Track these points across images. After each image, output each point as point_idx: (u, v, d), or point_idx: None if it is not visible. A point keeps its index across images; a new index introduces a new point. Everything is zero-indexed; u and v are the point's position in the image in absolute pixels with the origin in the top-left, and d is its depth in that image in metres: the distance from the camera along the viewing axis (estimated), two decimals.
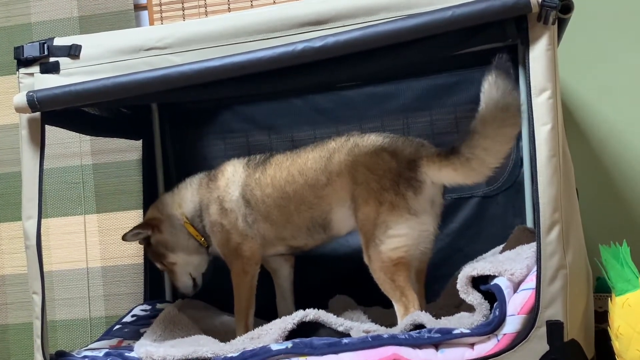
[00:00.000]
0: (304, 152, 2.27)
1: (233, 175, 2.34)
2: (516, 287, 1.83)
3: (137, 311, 2.59)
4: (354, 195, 2.13)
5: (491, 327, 1.76)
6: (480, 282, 1.93)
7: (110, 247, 2.92)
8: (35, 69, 2.02)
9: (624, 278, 1.81)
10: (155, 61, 1.93)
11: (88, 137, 2.92)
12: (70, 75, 1.99)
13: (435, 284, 2.39)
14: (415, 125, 2.66)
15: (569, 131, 2.01)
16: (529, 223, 2.48)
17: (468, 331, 1.80)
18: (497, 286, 1.83)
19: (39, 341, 2.00)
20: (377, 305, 2.35)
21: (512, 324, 1.75)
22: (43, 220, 2.10)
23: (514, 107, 1.86)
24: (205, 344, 2.12)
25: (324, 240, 2.32)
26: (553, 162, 1.71)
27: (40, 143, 2.01)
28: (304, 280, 2.53)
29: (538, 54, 1.73)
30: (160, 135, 2.81)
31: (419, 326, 1.92)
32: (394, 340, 1.81)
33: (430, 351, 1.79)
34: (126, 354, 2.09)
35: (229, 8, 2.94)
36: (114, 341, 2.34)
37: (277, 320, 2.10)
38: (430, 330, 1.83)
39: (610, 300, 1.83)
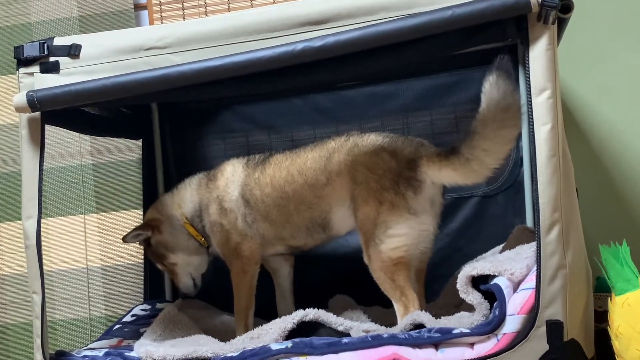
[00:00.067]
0: (304, 151, 2.27)
1: (232, 175, 2.34)
2: (516, 286, 1.83)
3: (137, 311, 2.59)
4: (354, 195, 2.13)
5: (491, 326, 1.76)
6: (480, 282, 1.93)
7: (110, 246, 2.92)
8: (35, 68, 2.02)
9: (624, 278, 1.81)
10: (155, 61, 1.93)
11: (88, 137, 2.92)
12: (70, 75, 1.99)
13: (435, 284, 2.39)
14: (415, 125, 2.66)
15: (568, 131, 2.01)
16: (529, 223, 2.48)
17: (468, 331, 1.80)
18: (497, 286, 1.83)
19: (38, 341, 2.00)
20: (377, 304, 2.36)
21: (512, 324, 1.75)
22: (43, 220, 2.11)
23: (514, 109, 1.86)
24: (205, 343, 2.12)
25: (323, 240, 2.32)
26: (553, 162, 1.71)
27: (40, 143, 2.01)
28: (303, 279, 2.53)
29: (538, 53, 1.73)
30: (160, 134, 2.81)
31: (419, 326, 1.92)
32: (393, 340, 1.81)
33: (430, 351, 1.79)
34: (126, 353, 2.09)
35: (228, 8, 2.94)
36: (113, 341, 2.34)
37: (277, 320, 2.10)
38: (430, 330, 1.83)
39: (610, 299, 1.83)
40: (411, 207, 2.04)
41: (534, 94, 1.73)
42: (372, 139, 2.17)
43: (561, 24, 1.84)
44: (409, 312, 2.00)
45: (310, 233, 2.26)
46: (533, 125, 1.73)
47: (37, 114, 2.00)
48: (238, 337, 2.15)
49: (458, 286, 1.94)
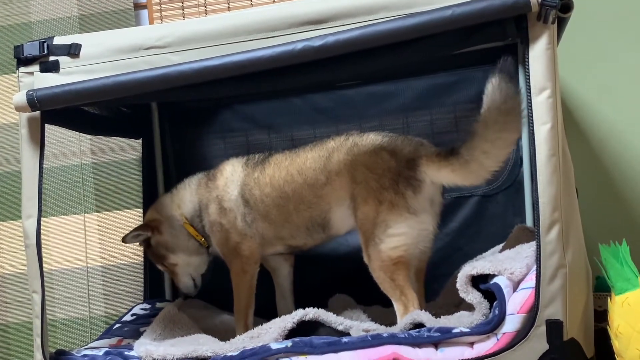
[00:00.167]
0: (303, 151, 2.27)
1: (232, 175, 2.34)
2: (516, 286, 1.83)
3: (136, 310, 2.59)
4: (353, 194, 2.13)
5: (491, 326, 1.76)
6: (479, 281, 1.93)
7: (110, 246, 2.92)
8: (35, 67, 2.02)
9: (624, 277, 1.81)
10: (155, 60, 1.93)
11: (88, 136, 2.92)
12: (70, 74, 1.99)
13: (435, 283, 2.39)
14: (415, 124, 2.66)
15: (568, 130, 2.01)
16: (529, 222, 2.48)
17: (468, 330, 1.80)
18: (497, 285, 1.83)
19: (38, 340, 2.00)
20: (377, 304, 2.36)
21: (511, 323, 1.75)
22: (43, 219, 2.11)
23: (515, 112, 1.85)
24: (205, 343, 2.12)
25: (323, 240, 2.32)
26: (553, 162, 1.71)
27: (40, 142, 2.01)
28: (303, 279, 2.53)
29: (538, 53, 1.73)
30: (160, 134, 2.81)
31: (419, 325, 1.92)
32: (393, 339, 1.81)
33: (430, 350, 1.79)
34: (126, 352, 2.10)
35: (228, 7, 2.94)
36: (113, 340, 2.34)
37: (277, 319, 2.10)
38: (429, 329, 1.83)
39: (610, 299, 1.83)
40: (411, 206, 2.04)
41: (534, 94, 1.73)
42: (371, 139, 2.17)
43: (561, 24, 1.84)
44: (409, 312, 2.00)
45: (310, 233, 2.26)
46: (533, 125, 1.72)
47: (37, 113, 2.00)
48: (238, 336, 2.15)
49: (458, 285, 1.94)
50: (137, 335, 2.34)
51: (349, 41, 1.78)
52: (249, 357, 1.87)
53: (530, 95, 1.73)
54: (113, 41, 1.99)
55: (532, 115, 1.73)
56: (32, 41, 2.03)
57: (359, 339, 1.85)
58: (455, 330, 1.80)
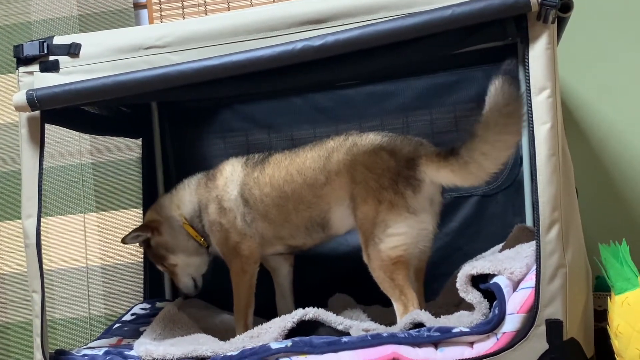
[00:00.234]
0: (303, 151, 2.27)
1: (231, 175, 2.34)
2: (516, 285, 1.83)
3: (136, 310, 2.59)
4: (353, 194, 2.13)
5: (490, 325, 1.76)
6: (479, 281, 1.93)
7: (109, 245, 2.92)
8: (35, 67, 2.02)
9: (624, 277, 1.81)
10: (154, 60, 1.93)
11: (87, 136, 2.92)
12: (70, 74, 1.99)
13: (435, 283, 2.39)
14: (415, 124, 2.66)
15: (568, 130, 2.01)
16: (529, 222, 2.48)
17: (467, 330, 1.80)
18: (497, 285, 1.83)
19: (38, 340, 2.00)
20: (377, 304, 2.36)
21: (511, 323, 1.75)
22: (43, 219, 2.11)
23: (517, 115, 1.85)
24: (205, 342, 2.12)
25: (322, 240, 2.32)
26: (552, 161, 1.71)
27: (39, 142, 2.01)
28: (303, 278, 2.53)
29: (538, 52, 1.72)
30: (159, 134, 2.81)
31: (419, 325, 1.92)
32: (393, 339, 1.81)
33: (430, 350, 1.79)
34: (126, 352, 2.10)
35: (228, 7, 2.94)
36: (113, 340, 2.35)
37: (277, 319, 2.10)
38: (429, 329, 1.83)
39: (610, 299, 1.83)
40: (410, 206, 2.04)
41: (534, 93, 1.73)
42: (371, 138, 2.17)
43: (561, 23, 1.84)
44: (409, 311, 2.00)
45: (309, 232, 2.26)
46: (533, 124, 1.72)
47: (37, 112, 2.00)
48: (238, 336, 2.15)
49: (458, 285, 1.94)
50: (137, 334, 2.34)
51: (348, 41, 1.78)
52: (249, 357, 1.87)
53: (530, 94, 1.73)
54: (113, 41, 1.99)
55: (532, 114, 1.73)
56: (32, 41, 2.03)
57: (359, 339, 1.85)
58: (455, 330, 1.80)
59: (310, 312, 2.04)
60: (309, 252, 2.42)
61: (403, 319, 1.98)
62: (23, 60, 2.02)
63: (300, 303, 2.21)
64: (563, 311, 1.73)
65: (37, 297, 2.01)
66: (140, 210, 2.83)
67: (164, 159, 2.82)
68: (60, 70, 2.00)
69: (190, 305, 2.52)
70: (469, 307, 1.95)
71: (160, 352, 1.99)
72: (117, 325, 2.49)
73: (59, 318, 2.93)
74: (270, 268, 2.51)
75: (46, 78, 2.00)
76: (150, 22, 2.97)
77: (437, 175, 2.04)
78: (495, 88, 1.86)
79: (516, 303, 1.76)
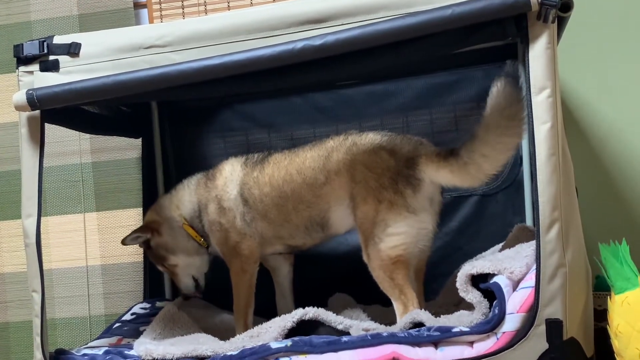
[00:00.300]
0: (302, 151, 2.27)
1: (231, 174, 2.34)
2: (515, 285, 1.83)
3: (136, 309, 2.59)
4: (353, 193, 2.13)
5: (490, 325, 1.76)
6: (479, 281, 1.93)
7: (109, 245, 2.92)
8: (35, 67, 2.02)
9: (624, 276, 1.81)
10: (155, 59, 1.93)
11: (87, 135, 2.92)
12: (70, 74, 1.99)
13: (435, 283, 2.40)
14: (415, 123, 2.66)
15: (568, 130, 2.01)
16: (529, 221, 2.48)
17: (467, 329, 1.80)
18: (497, 284, 1.83)
19: (38, 339, 2.00)
20: (377, 303, 2.36)
21: (511, 322, 1.75)
22: (43, 219, 2.11)
23: (518, 117, 1.86)
24: (205, 342, 2.12)
25: (322, 240, 2.32)
26: (552, 161, 1.71)
27: (39, 141, 2.01)
28: (303, 278, 2.53)
29: (538, 52, 1.72)
30: (159, 133, 2.81)
31: (418, 324, 1.92)
32: (393, 339, 1.81)
33: (430, 349, 1.79)
34: (126, 352, 2.10)
35: (228, 6, 2.94)
36: (113, 339, 2.35)
37: (277, 319, 2.10)
38: (429, 329, 1.83)
39: (610, 298, 1.83)
40: (410, 205, 2.04)
41: (534, 93, 1.73)
42: (370, 138, 2.17)
43: (561, 23, 1.84)
44: (408, 311, 2.00)
45: (309, 232, 2.26)
46: (533, 124, 1.72)
47: (37, 112, 2.00)
48: (237, 335, 2.15)
49: (457, 285, 1.94)
50: (136, 334, 2.34)
51: (348, 40, 1.78)
52: (249, 357, 1.87)
53: (530, 94, 1.73)
54: (113, 40, 1.99)
55: (532, 114, 1.73)
56: (32, 40, 2.03)
57: (359, 338, 1.85)
58: (455, 330, 1.80)
59: (310, 312, 2.04)
60: (308, 252, 2.42)
61: (403, 319, 1.98)
62: (23, 60, 2.02)
63: (300, 302, 2.21)
64: (563, 311, 1.73)
65: (37, 297, 2.01)
66: (140, 210, 2.83)
67: (164, 159, 2.82)
68: (60, 69, 2.00)
69: (190, 304, 2.52)
70: (469, 307, 1.95)
71: (160, 352, 1.99)
72: (117, 324, 2.49)
73: (59, 317, 2.93)
74: (270, 267, 2.51)
75: (46, 77, 2.00)
76: (150, 21, 2.97)
77: (437, 175, 2.04)
78: (497, 90, 1.86)
79: (516, 303, 1.76)
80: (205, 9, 2.95)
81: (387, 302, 2.10)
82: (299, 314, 2.04)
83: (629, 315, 1.77)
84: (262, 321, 2.16)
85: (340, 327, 2.01)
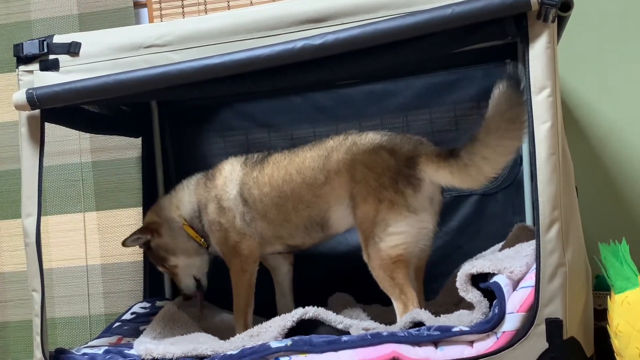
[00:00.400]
0: (302, 151, 2.27)
1: (231, 174, 2.34)
2: (515, 285, 1.83)
3: (136, 309, 2.59)
4: (353, 193, 2.13)
5: (490, 324, 1.76)
6: (479, 280, 1.93)
7: (109, 244, 2.92)
8: (35, 66, 2.02)
9: (623, 276, 1.81)
10: (154, 59, 1.93)
11: (87, 135, 2.92)
12: (70, 73, 1.99)
13: (435, 282, 2.40)
14: (415, 123, 2.67)
15: (568, 129, 2.01)
16: (529, 221, 2.48)
17: (467, 329, 1.80)
18: (497, 284, 1.83)
19: (38, 338, 2.00)
20: (377, 303, 2.36)
21: (511, 322, 1.75)
22: (43, 218, 2.11)
23: (519, 121, 1.86)
24: (205, 341, 2.12)
25: (321, 239, 2.32)
26: (552, 160, 1.71)
27: (39, 140, 2.01)
28: (303, 278, 2.53)
29: (538, 52, 1.72)
30: (159, 132, 2.81)
31: (418, 324, 1.92)
32: (393, 338, 1.81)
33: (430, 349, 1.79)
34: (125, 351, 2.09)
35: (228, 6, 2.94)
36: (113, 339, 2.34)
37: (277, 318, 2.10)
38: (429, 328, 1.83)
39: (610, 298, 1.83)
40: (410, 205, 2.04)
41: (534, 92, 1.72)
42: (370, 138, 2.17)
43: (561, 22, 1.84)
44: (409, 310, 2.00)
45: (309, 232, 2.26)
46: (533, 124, 1.72)
47: (37, 111, 2.00)
48: (237, 335, 2.16)
49: (457, 284, 1.94)
50: (136, 333, 2.34)
51: (348, 40, 1.78)
52: (249, 356, 1.87)
53: (530, 94, 1.73)
54: (113, 40, 1.99)
55: (532, 113, 1.73)
56: (32, 39, 2.03)
57: (359, 338, 1.85)
58: (455, 329, 1.80)
59: (310, 311, 2.04)
60: (308, 252, 2.42)
61: (403, 318, 1.98)
62: (23, 59, 2.02)
63: (300, 302, 2.21)
64: (563, 310, 1.73)
65: (37, 296, 2.01)
66: (140, 209, 2.83)
67: (164, 158, 2.82)
68: (60, 69, 2.00)
69: (190, 304, 2.51)
70: (469, 306, 1.95)
71: (160, 351, 1.99)
72: (117, 324, 2.49)
73: (58, 317, 2.93)
74: (270, 267, 2.51)
75: (46, 77, 1.99)
76: (150, 21, 2.97)
77: (436, 175, 2.04)
78: (499, 92, 1.87)
79: (516, 302, 1.76)
80: (205, 9, 2.95)
81: (387, 302, 2.10)
82: (298, 313, 2.04)
83: (628, 314, 1.77)
84: (262, 320, 2.16)
85: (340, 326, 2.01)
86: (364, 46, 1.78)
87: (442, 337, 1.80)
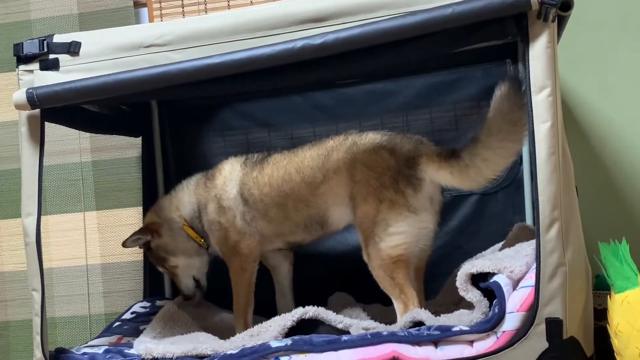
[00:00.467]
0: (302, 150, 2.27)
1: (230, 174, 2.34)
2: (515, 284, 1.83)
3: (136, 308, 2.59)
4: (353, 193, 2.13)
5: (490, 324, 1.76)
6: (479, 280, 1.93)
7: (109, 244, 2.92)
8: (35, 66, 2.02)
9: (623, 275, 1.81)
10: (154, 58, 1.93)
11: (87, 134, 2.92)
12: (70, 72, 1.99)
13: (435, 282, 2.40)
14: (415, 122, 2.67)
15: (568, 129, 2.01)
16: (529, 220, 2.48)
17: (467, 328, 1.80)
18: (497, 283, 1.83)
19: (38, 338, 2.00)
20: (377, 302, 2.36)
21: (511, 322, 1.75)
22: (43, 217, 2.10)
23: (521, 123, 1.86)
24: (205, 341, 2.12)
25: (321, 236, 2.32)
26: (552, 160, 1.71)
27: (39, 140, 2.01)
28: (303, 277, 2.53)
29: (538, 51, 1.72)
30: (159, 132, 2.81)
31: (418, 323, 1.92)
32: (393, 338, 1.81)
33: (430, 348, 1.79)
34: (125, 350, 2.10)
35: (228, 5, 2.94)
36: (113, 338, 2.34)
37: (277, 318, 2.10)
38: (429, 328, 1.84)
39: (610, 297, 1.83)
40: (411, 204, 2.04)
41: (534, 92, 1.73)
42: (370, 137, 2.17)
43: (561, 22, 1.84)
44: (409, 310, 2.00)
45: (308, 230, 2.26)
46: (533, 123, 1.72)
47: (37, 111, 2.00)
48: (237, 334, 2.16)
49: (457, 284, 1.94)
50: (136, 333, 2.34)
51: (349, 39, 1.78)
52: (249, 355, 1.87)
53: (530, 93, 1.73)
54: (113, 39, 1.99)
55: (532, 113, 1.73)
56: (32, 39, 2.03)
57: (359, 337, 1.85)
58: (455, 329, 1.80)
59: (310, 311, 2.04)
60: (308, 251, 2.42)
61: (403, 318, 1.98)
62: (23, 59, 2.02)
63: (300, 301, 2.21)
64: (563, 310, 1.73)
65: (37, 296, 2.01)
66: (140, 209, 2.83)
67: (164, 158, 2.82)
68: (60, 68, 2.00)
69: (190, 303, 2.51)
70: (469, 306, 1.95)
71: (160, 351, 1.99)
72: (117, 323, 2.49)
73: (58, 316, 2.93)
74: (270, 266, 2.51)
75: (46, 76, 1.99)
76: (150, 20, 2.97)
77: (437, 176, 2.04)
78: (501, 93, 1.87)
79: (516, 302, 1.76)
80: (205, 8, 2.95)
81: (387, 301, 2.10)
82: (298, 312, 2.04)
83: (628, 314, 1.77)
84: (262, 320, 2.16)
85: (340, 326, 2.01)
86: (364, 46, 1.78)
87: (442, 337, 1.80)
